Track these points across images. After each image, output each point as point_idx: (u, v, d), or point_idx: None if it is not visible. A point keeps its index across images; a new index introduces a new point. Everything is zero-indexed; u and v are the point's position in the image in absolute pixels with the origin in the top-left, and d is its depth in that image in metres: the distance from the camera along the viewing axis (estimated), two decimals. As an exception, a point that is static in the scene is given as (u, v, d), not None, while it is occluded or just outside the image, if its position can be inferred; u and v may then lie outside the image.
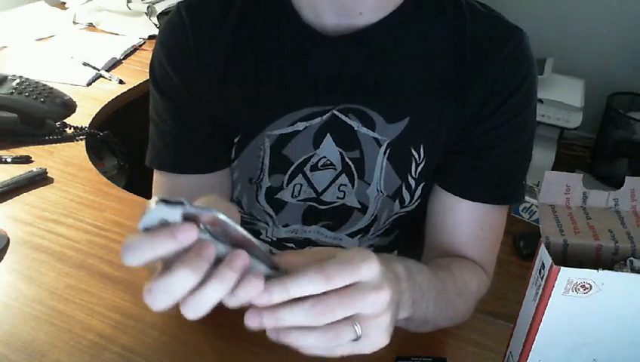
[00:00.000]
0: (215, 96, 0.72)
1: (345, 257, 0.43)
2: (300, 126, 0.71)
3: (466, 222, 0.72)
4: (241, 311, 0.78)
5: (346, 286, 0.42)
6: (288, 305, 0.41)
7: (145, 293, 0.40)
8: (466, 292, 0.68)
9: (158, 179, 0.76)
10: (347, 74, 0.70)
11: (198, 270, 0.39)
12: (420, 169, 0.73)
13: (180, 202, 0.39)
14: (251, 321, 0.41)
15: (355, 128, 0.71)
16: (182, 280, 0.39)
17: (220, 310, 0.77)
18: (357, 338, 0.43)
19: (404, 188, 0.74)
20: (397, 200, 0.75)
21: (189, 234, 0.38)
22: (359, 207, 0.76)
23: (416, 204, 0.76)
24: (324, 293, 0.42)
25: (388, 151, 0.71)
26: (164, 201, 0.39)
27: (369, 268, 0.43)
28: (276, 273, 0.43)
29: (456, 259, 0.71)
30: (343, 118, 0.70)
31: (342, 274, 0.42)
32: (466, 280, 0.68)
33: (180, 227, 0.38)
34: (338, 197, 0.75)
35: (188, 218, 0.40)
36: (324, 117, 0.71)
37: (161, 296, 0.39)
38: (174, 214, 0.39)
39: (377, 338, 0.45)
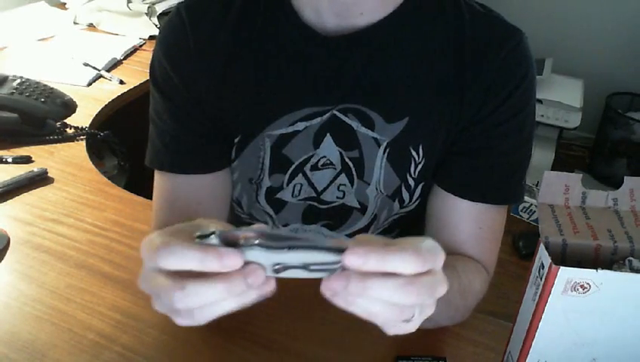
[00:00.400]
0: (215, 97, 0.72)
1: (427, 244, 0.43)
2: (300, 126, 0.71)
3: (466, 221, 0.72)
4: (241, 311, 0.78)
5: (426, 273, 0.42)
6: (382, 277, 0.40)
7: (176, 289, 0.40)
8: (469, 291, 0.68)
9: (159, 179, 0.76)
10: (347, 74, 0.70)
11: (237, 291, 0.40)
12: (419, 169, 0.73)
13: (212, 232, 0.40)
14: (335, 283, 0.40)
15: (355, 128, 0.71)
16: (219, 294, 0.39)
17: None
18: (409, 321, 0.43)
19: (403, 188, 0.74)
20: (396, 200, 0.76)
21: (234, 262, 0.39)
22: (359, 206, 0.76)
23: (416, 203, 0.76)
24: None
25: (387, 151, 0.72)
26: (199, 237, 0.41)
27: (442, 260, 0.43)
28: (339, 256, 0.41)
29: (460, 257, 0.71)
30: (343, 117, 0.71)
31: (431, 261, 0.42)
32: (470, 280, 0.69)
33: (228, 253, 0.39)
34: (338, 197, 0.76)
35: (227, 242, 0.40)
36: (324, 117, 0.71)
37: (193, 298, 0.40)
38: (213, 242, 0.40)
39: (413, 325, 0.45)
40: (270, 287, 0.41)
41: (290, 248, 0.41)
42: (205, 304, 0.40)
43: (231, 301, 0.41)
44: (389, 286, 0.40)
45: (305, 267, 0.41)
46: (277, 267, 0.41)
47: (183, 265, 0.39)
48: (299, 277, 0.42)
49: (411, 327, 0.45)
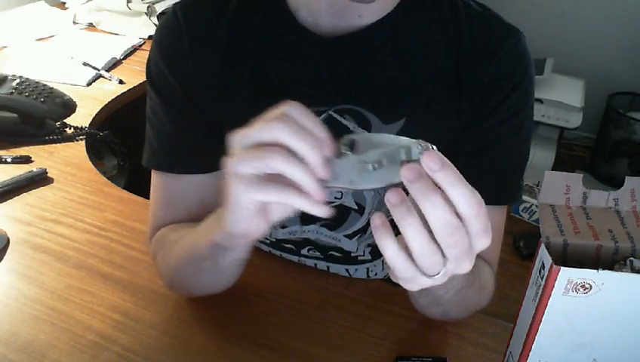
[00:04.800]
0: (211, 97, 0.72)
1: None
2: None
3: None
4: (241, 311, 0.78)
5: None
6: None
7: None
8: (484, 289, 0.69)
9: (158, 179, 0.76)
10: (343, 75, 0.69)
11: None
12: None
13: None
14: (414, 170, 0.42)
15: (351, 129, 0.71)
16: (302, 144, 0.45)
17: (220, 309, 0.77)
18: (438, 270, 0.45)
19: (401, 188, 0.74)
20: (395, 200, 0.75)
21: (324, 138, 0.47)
22: (356, 207, 0.76)
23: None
24: None
25: None
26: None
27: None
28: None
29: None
30: (339, 118, 0.70)
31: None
32: (486, 278, 0.70)
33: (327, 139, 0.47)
34: (336, 198, 0.75)
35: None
36: (320, 118, 0.70)
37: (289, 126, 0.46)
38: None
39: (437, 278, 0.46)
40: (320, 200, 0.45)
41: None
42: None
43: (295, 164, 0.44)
44: (464, 191, 0.42)
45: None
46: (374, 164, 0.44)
47: (303, 119, 0.46)
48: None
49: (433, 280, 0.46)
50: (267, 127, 0.46)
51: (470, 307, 0.70)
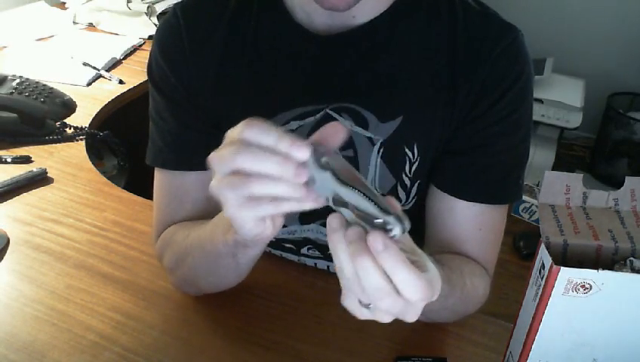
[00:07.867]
0: (210, 96, 0.72)
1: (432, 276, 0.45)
2: (294, 125, 0.71)
3: (464, 222, 0.71)
4: (241, 311, 0.78)
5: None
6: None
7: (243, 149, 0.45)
8: (472, 297, 0.68)
9: (161, 177, 0.76)
10: (340, 73, 0.70)
11: (287, 172, 0.44)
12: (414, 168, 0.73)
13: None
14: (355, 235, 0.42)
15: (349, 127, 0.71)
16: (273, 167, 0.44)
17: (220, 309, 0.77)
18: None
19: (399, 187, 0.74)
20: (393, 199, 0.75)
21: (302, 154, 0.43)
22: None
23: (413, 202, 0.76)
24: None
25: (381, 150, 0.71)
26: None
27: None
28: (385, 216, 0.42)
29: (467, 260, 0.71)
30: (337, 117, 0.70)
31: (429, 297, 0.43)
32: (476, 286, 0.69)
33: (300, 146, 0.44)
34: None
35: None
36: (317, 116, 0.71)
37: (253, 162, 0.44)
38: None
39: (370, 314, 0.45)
40: (312, 201, 0.44)
41: (354, 188, 0.42)
42: (260, 175, 0.44)
43: (278, 185, 0.44)
44: (408, 276, 0.41)
45: (353, 210, 0.43)
46: (335, 197, 0.43)
47: (262, 138, 0.44)
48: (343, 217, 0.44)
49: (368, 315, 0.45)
50: (228, 159, 0.45)
51: (456, 313, 0.70)
